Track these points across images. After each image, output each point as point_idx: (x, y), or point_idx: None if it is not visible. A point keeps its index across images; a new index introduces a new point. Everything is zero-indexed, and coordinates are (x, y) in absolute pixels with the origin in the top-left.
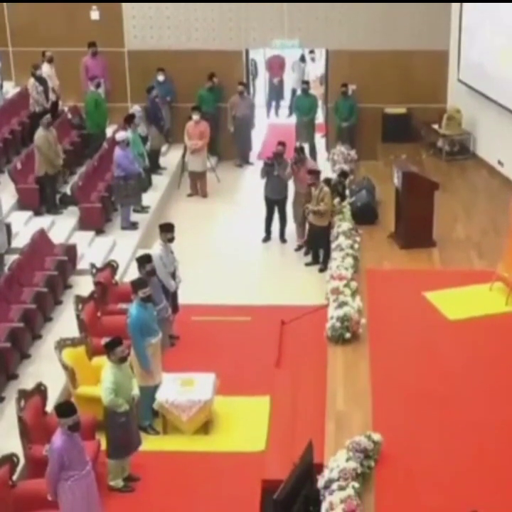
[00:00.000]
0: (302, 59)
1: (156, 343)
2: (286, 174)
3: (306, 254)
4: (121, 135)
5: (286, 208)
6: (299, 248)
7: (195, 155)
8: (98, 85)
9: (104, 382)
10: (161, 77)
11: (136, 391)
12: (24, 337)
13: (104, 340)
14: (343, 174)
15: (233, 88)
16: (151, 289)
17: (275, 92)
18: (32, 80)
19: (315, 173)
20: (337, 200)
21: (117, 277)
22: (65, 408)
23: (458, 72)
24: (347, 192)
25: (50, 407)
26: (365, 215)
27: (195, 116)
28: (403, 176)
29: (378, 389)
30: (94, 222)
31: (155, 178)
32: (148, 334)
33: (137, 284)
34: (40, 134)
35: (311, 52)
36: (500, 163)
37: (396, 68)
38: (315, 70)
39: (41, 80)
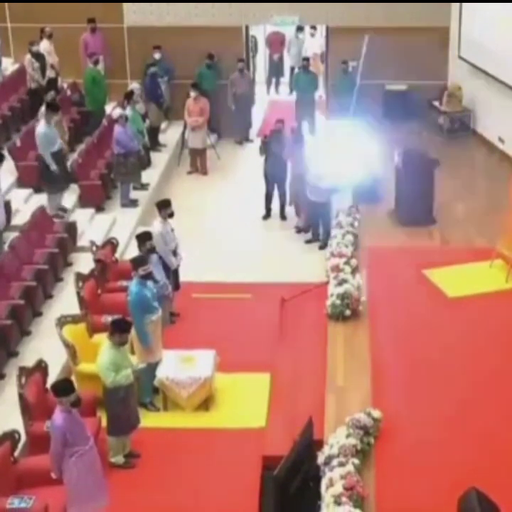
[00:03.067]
0: (300, 29)
1: (156, 320)
2: (283, 153)
3: (306, 231)
4: (117, 112)
5: (286, 186)
6: (299, 231)
7: (195, 132)
8: (96, 62)
9: (102, 363)
10: (157, 55)
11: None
12: (25, 314)
13: (111, 318)
14: None
15: (233, 65)
16: (151, 267)
17: (275, 69)
18: (28, 56)
19: None
20: None
21: (117, 255)
22: (64, 386)
23: (459, 49)
24: None
25: (50, 384)
26: (365, 193)
27: (193, 93)
28: (403, 153)
29: (378, 366)
30: (94, 199)
31: (154, 156)
32: (148, 311)
33: (137, 262)
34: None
35: (313, 27)
36: (500, 140)
37: (397, 45)
38: (313, 46)
39: (38, 56)
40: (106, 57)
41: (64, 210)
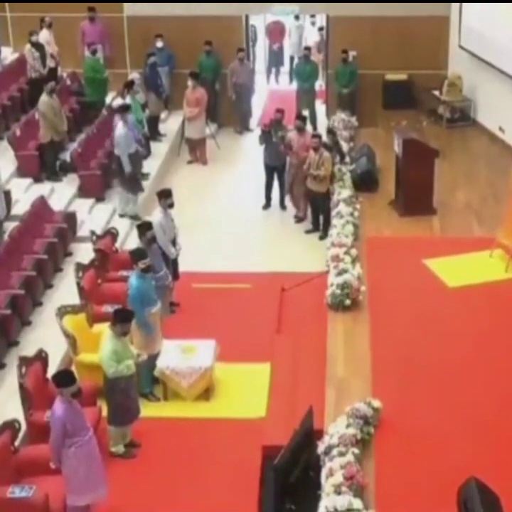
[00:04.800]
0: (296, 18)
1: (155, 312)
2: (281, 147)
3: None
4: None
5: (286, 175)
6: (298, 220)
7: (191, 122)
8: (94, 52)
9: (104, 354)
10: (159, 44)
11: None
12: (25, 304)
13: (112, 308)
14: (331, 131)
15: (233, 54)
16: (150, 259)
17: (275, 59)
18: (28, 46)
19: (318, 137)
20: (338, 166)
21: (117, 244)
22: (66, 377)
23: (459, 38)
24: (347, 159)
25: (51, 374)
26: (365, 182)
27: (190, 83)
28: (403, 142)
29: (378, 355)
30: (94, 189)
31: (154, 145)
32: (148, 304)
33: (137, 255)
34: (44, 100)
35: (313, 16)
36: (501, 129)
37: (397, 34)
38: (314, 35)
39: (38, 46)
40: (106, 46)
41: (137, 217)
